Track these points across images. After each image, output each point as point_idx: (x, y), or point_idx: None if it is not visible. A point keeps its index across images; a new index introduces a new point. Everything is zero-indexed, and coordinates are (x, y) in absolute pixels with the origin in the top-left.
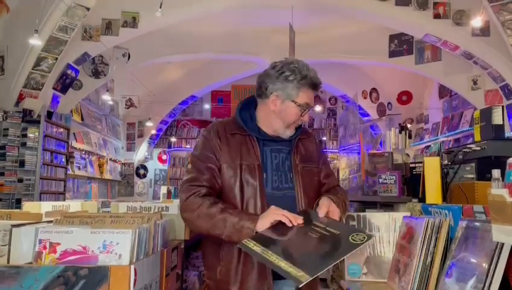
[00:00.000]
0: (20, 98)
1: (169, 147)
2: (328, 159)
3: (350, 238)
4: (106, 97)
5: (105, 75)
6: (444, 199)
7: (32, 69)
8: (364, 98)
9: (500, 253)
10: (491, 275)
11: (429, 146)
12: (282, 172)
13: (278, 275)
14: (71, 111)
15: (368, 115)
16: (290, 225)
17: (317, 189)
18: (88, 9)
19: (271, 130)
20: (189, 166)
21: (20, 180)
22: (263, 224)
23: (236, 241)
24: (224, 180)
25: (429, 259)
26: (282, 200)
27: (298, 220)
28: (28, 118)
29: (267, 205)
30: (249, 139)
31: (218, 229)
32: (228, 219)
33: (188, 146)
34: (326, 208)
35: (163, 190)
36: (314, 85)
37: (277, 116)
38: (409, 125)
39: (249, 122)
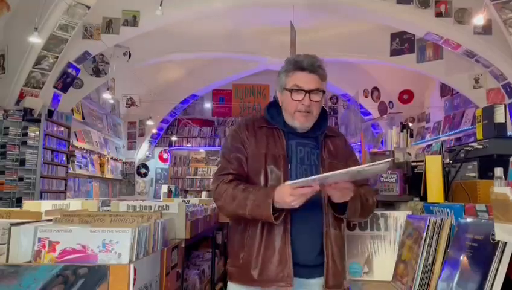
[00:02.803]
0: (21, 96)
1: (170, 146)
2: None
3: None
4: (107, 96)
5: (106, 74)
6: (446, 197)
7: (32, 68)
8: (366, 97)
9: (502, 252)
10: (492, 275)
11: (430, 145)
12: (307, 165)
13: (298, 263)
14: (72, 110)
15: (369, 114)
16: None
17: None
18: (88, 7)
19: (291, 125)
20: (219, 159)
21: (21, 179)
22: (280, 202)
23: (259, 218)
24: (250, 169)
25: (431, 259)
26: None
27: (315, 187)
28: (28, 116)
29: None
30: (276, 132)
31: (242, 208)
32: (249, 197)
33: (189, 145)
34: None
35: (164, 189)
36: (301, 67)
37: (283, 108)
38: (410, 124)
39: (275, 116)
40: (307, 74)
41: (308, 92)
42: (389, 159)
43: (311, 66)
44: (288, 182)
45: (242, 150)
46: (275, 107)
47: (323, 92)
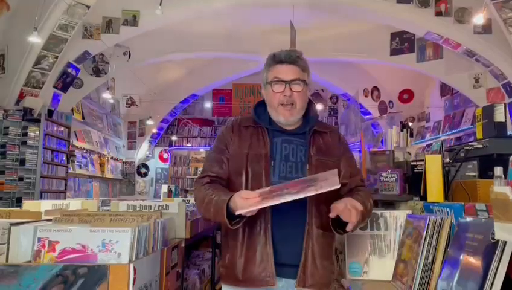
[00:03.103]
0: (21, 96)
1: (171, 145)
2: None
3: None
4: (107, 96)
5: (106, 74)
6: (446, 197)
7: (32, 68)
8: (366, 96)
9: (502, 251)
10: (492, 274)
11: (430, 144)
12: (292, 162)
13: (280, 263)
14: (72, 110)
15: (369, 113)
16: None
17: None
18: (88, 7)
19: (277, 121)
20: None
21: (21, 179)
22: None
23: (219, 221)
24: (232, 169)
25: (430, 258)
26: None
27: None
28: (28, 116)
29: None
30: (260, 131)
31: (207, 212)
32: (212, 202)
33: (189, 145)
34: (342, 208)
35: (164, 188)
36: (279, 60)
37: (268, 104)
38: (410, 124)
39: (262, 115)
40: (285, 66)
41: (289, 82)
42: (335, 187)
43: (289, 57)
44: (238, 212)
45: (224, 152)
46: (263, 105)
47: (305, 82)
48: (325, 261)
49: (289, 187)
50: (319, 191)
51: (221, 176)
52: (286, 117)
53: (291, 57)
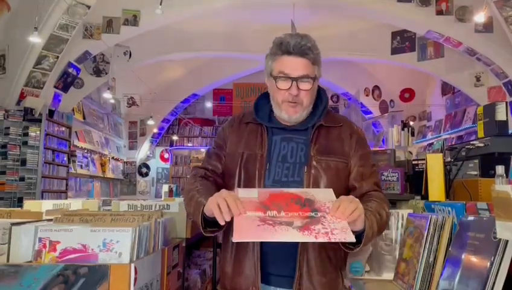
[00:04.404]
0: (22, 96)
1: (172, 145)
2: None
3: None
4: (108, 95)
5: (106, 74)
6: (447, 196)
7: (33, 68)
8: (367, 95)
9: (504, 250)
10: (494, 273)
11: (432, 143)
12: (290, 164)
13: (271, 273)
14: (73, 110)
15: (370, 112)
16: (222, 221)
17: (339, 187)
18: (89, 7)
19: (279, 116)
20: None
21: (22, 179)
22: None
23: (196, 221)
24: (226, 169)
25: (432, 257)
26: None
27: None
28: (29, 116)
29: None
30: (260, 128)
31: (189, 208)
32: (193, 199)
33: (189, 144)
34: (344, 208)
35: (165, 188)
36: (288, 50)
37: (271, 97)
38: (411, 123)
39: (262, 109)
40: (294, 58)
41: (296, 79)
42: (349, 240)
43: (299, 48)
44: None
45: (222, 148)
46: (266, 98)
47: (315, 78)
48: (324, 278)
49: (281, 202)
50: (332, 241)
51: (218, 171)
52: (290, 114)
53: (302, 48)
